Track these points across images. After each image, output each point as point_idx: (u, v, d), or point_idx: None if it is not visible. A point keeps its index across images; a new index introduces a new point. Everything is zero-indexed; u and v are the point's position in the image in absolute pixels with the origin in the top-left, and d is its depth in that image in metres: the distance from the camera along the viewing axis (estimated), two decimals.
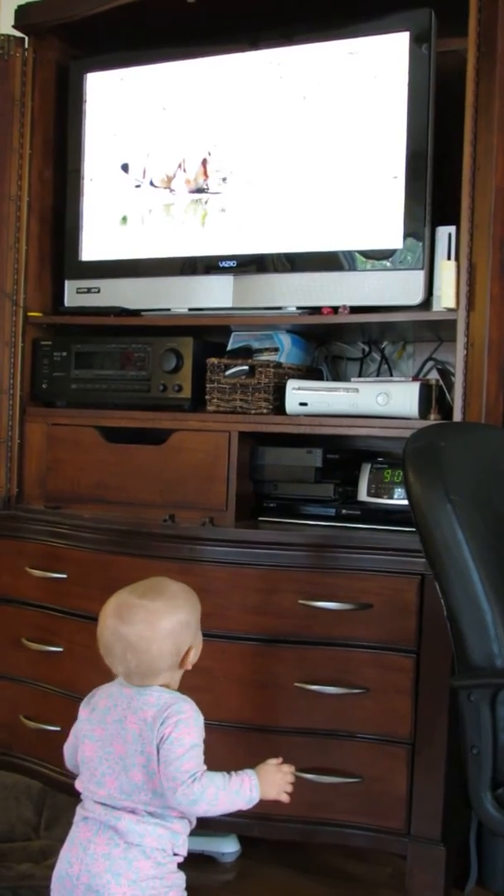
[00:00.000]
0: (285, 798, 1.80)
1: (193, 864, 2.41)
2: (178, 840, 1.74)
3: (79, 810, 1.79)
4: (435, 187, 2.46)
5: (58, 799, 2.58)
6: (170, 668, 1.77)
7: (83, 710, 1.84)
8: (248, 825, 2.41)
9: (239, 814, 2.30)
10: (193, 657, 1.80)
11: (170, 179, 2.79)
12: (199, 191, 2.74)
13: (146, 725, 1.71)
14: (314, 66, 2.58)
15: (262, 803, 2.26)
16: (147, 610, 1.74)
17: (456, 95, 2.36)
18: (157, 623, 1.74)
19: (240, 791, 1.71)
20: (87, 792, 1.78)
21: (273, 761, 1.82)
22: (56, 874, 1.76)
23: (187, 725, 1.70)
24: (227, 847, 2.60)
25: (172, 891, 1.74)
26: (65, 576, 2.66)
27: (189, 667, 1.81)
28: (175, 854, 1.75)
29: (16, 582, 2.79)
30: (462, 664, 1.76)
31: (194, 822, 1.81)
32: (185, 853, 1.78)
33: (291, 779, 1.82)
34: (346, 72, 2.54)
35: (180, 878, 1.77)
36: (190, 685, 1.86)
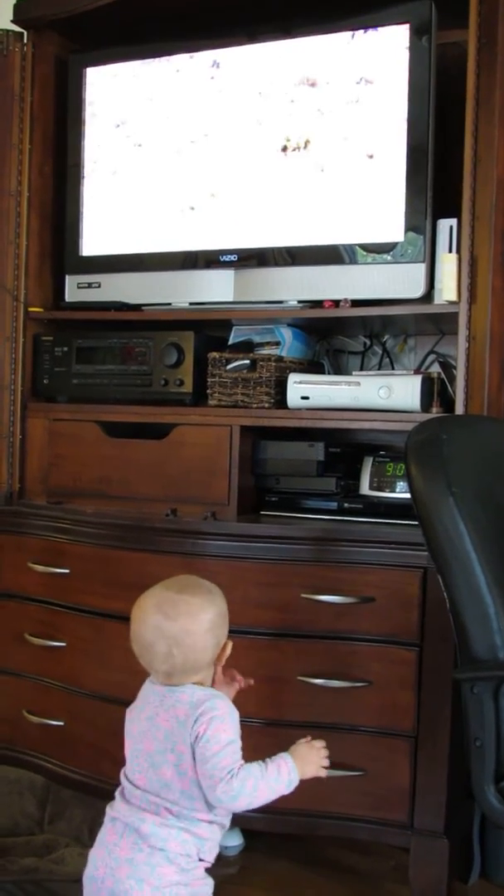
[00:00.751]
0: (323, 773, 1.81)
1: None
2: (203, 846, 1.72)
3: (108, 810, 1.77)
4: (436, 179, 2.45)
5: (61, 793, 2.59)
6: (210, 663, 1.77)
7: (128, 710, 1.83)
8: (252, 819, 2.40)
9: None
10: (229, 651, 1.80)
11: (170, 173, 2.78)
12: (200, 184, 2.74)
13: (178, 723, 1.70)
14: (314, 59, 2.58)
15: None
16: (188, 604, 1.74)
17: (457, 87, 2.35)
18: (199, 616, 1.73)
19: (279, 777, 1.71)
20: (123, 785, 1.77)
21: (303, 741, 1.82)
22: (85, 875, 1.75)
23: (222, 722, 1.69)
24: (231, 840, 2.60)
25: None
26: (67, 571, 2.66)
27: (223, 662, 1.81)
28: (201, 860, 1.73)
29: (18, 577, 2.79)
30: (465, 657, 1.75)
31: (227, 826, 1.79)
32: (211, 859, 1.76)
33: (325, 753, 1.81)
34: (346, 65, 2.54)
35: (207, 886, 1.75)
36: None
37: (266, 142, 2.64)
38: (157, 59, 2.80)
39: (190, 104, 2.75)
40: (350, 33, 2.53)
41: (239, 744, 1.71)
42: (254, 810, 2.33)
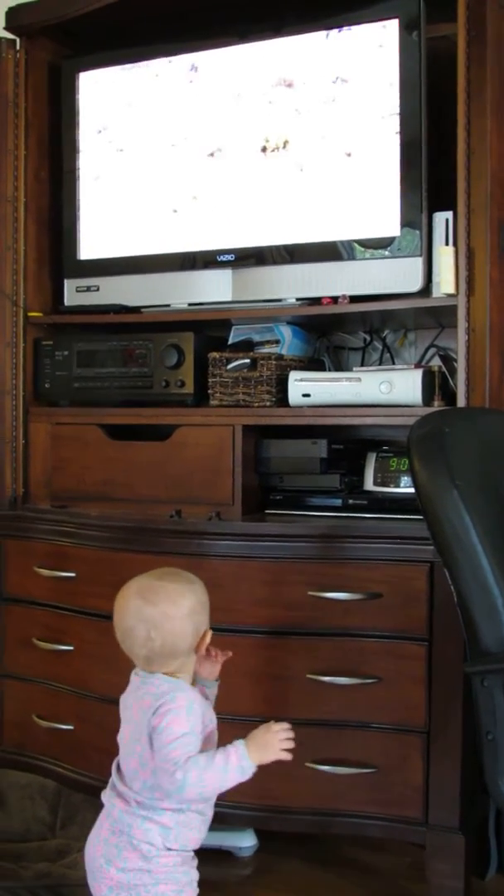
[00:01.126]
0: (286, 756, 1.76)
1: (211, 859, 2.41)
2: (168, 835, 1.73)
3: (102, 794, 1.83)
4: (431, 173, 2.45)
5: (73, 798, 2.58)
6: (188, 650, 1.78)
7: (120, 699, 1.86)
8: (265, 819, 2.41)
9: (255, 807, 2.32)
10: (208, 640, 1.81)
11: (165, 174, 2.78)
12: (195, 185, 2.73)
13: (143, 714, 1.72)
14: (305, 57, 2.58)
15: (277, 794, 2.28)
16: (168, 590, 1.77)
17: (448, 81, 2.35)
18: (179, 601, 1.76)
19: (226, 766, 1.68)
20: (112, 773, 1.81)
21: (263, 725, 1.77)
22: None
23: (177, 715, 1.70)
24: (245, 841, 2.60)
25: (164, 885, 1.72)
26: (73, 574, 2.65)
27: (202, 651, 1.82)
28: (169, 849, 1.73)
29: (24, 582, 2.79)
30: (474, 650, 1.75)
31: (208, 815, 1.80)
32: (182, 848, 1.75)
33: (286, 735, 1.76)
34: (338, 61, 2.54)
35: (181, 874, 1.75)
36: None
37: (262, 139, 2.64)
38: (149, 62, 2.79)
39: (184, 104, 2.74)
40: (340, 30, 2.53)
41: (196, 737, 1.71)
42: (265, 809, 2.35)
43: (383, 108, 2.48)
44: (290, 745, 1.77)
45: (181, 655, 1.77)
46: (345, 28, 2.52)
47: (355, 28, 2.51)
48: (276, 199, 2.63)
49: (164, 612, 1.74)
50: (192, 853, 1.79)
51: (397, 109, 2.46)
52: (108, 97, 2.87)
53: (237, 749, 1.71)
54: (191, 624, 1.76)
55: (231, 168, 2.69)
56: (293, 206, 2.61)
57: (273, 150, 2.63)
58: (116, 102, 2.86)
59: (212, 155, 2.71)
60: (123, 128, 2.85)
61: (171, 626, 1.74)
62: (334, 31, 2.53)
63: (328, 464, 2.60)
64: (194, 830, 1.77)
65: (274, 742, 1.74)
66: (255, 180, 2.66)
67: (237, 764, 1.69)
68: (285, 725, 1.77)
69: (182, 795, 1.69)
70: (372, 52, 2.49)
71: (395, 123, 2.46)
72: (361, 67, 2.51)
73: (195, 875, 1.79)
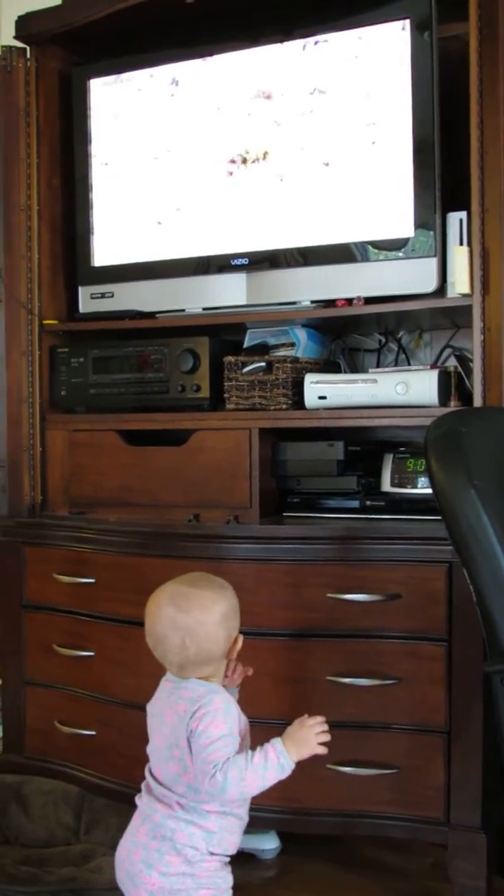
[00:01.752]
0: (322, 750, 1.77)
1: (234, 861, 2.40)
2: (212, 839, 1.74)
3: (137, 798, 1.82)
4: (444, 173, 2.45)
5: (96, 803, 2.59)
6: (221, 656, 1.78)
7: (148, 706, 1.86)
8: (288, 821, 2.41)
9: (278, 809, 2.33)
10: (240, 645, 1.81)
11: (177, 180, 2.79)
12: (208, 190, 2.74)
13: (179, 719, 1.73)
14: (316, 60, 2.58)
15: (300, 796, 2.28)
16: (201, 597, 1.77)
17: (460, 80, 2.35)
18: (212, 608, 1.76)
19: (266, 764, 1.70)
20: (146, 777, 1.81)
21: (296, 721, 1.78)
22: (115, 857, 1.82)
23: (214, 717, 1.70)
24: (267, 843, 2.60)
25: (205, 889, 1.73)
26: (93, 580, 2.66)
27: (234, 656, 1.82)
28: (212, 854, 1.74)
29: (44, 588, 2.80)
30: (494, 649, 1.75)
31: (245, 819, 1.81)
32: (223, 852, 1.77)
33: (321, 728, 1.77)
34: (349, 63, 2.54)
35: (221, 879, 1.77)
36: None
37: (274, 143, 2.65)
38: (160, 67, 2.81)
39: (195, 110, 2.75)
40: (351, 31, 2.53)
41: (234, 738, 1.72)
42: (287, 812, 2.35)
43: (395, 110, 2.48)
44: (326, 737, 1.78)
45: (214, 661, 1.78)
46: (358, 28, 2.52)
47: (369, 28, 2.51)
48: (289, 201, 2.64)
49: (198, 620, 1.74)
50: (227, 858, 1.79)
51: (409, 111, 2.46)
52: (122, 103, 2.87)
53: (275, 747, 1.72)
54: (224, 630, 1.77)
55: (245, 171, 2.69)
56: (306, 209, 2.61)
57: (293, 154, 2.63)
58: (121, 108, 2.87)
59: (232, 161, 2.71)
60: (138, 133, 2.86)
61: (205, 633, 1.74)
62: (354, 31, 2.53)
63: (345, 466, 2.61)
64: (235, 835, 1.78)
65: (310, 737, 1.75)
66: (268, 183, 2.66)
67: (277, 762, 1.71)
68: (319, 719, 1.78)
69: (223, 796, 1.70)
70: (385, 52, 2.49)
71: (407, 124, 2.46)
72: (374, 67, 2.51)
73: (231, 880, 1.80)
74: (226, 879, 1.78)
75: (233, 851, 1.79)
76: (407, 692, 2.31)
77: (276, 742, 1.73)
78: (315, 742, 1.76)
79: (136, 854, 1.75)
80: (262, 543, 2.45)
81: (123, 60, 2.86)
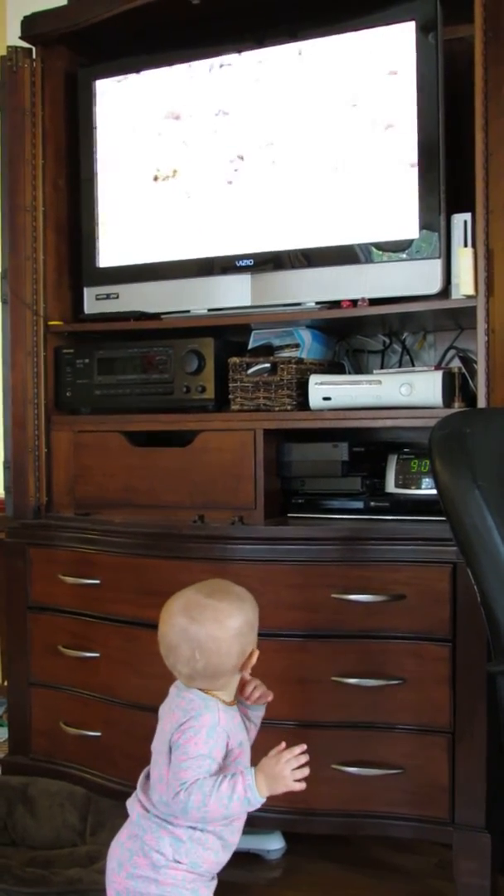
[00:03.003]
0: (298, 787, 1.68)
1: (240, 862, 2.42)
2: (180, 847, 1.70)
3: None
4: (449, 174, 2.45)
5: (102, 804, 2.59)
6: (233, 670, 1.74)
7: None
8: (293, 821, 2.42)
9: (283, 810, 2.33)
10: (254, 660, 1.77)
11: (182, 181, 2.79)
12: (213, 191, 2.75)
13: (171, 728, 1.71)
14: (321, 62, 2.58)
15: (305, 796, 2.27)
16: (216, 609, 1.72)
17: (466, 82, 2.35)
18: (226, 622, 1.71)
19: (232, 795, 1.64)
20: (141, 777, 1.81)
21: (273, 752, 1.69)
22: None
23: (196, 734, 1.67)
24: (273, 844, 2.60)
25: None
26: (98, 581, 2.67)
27: (248, 670, 1.78)
28: (178, 862, 1.70)
29: (50, 590, 2.81)
30: (498, 649, 1.75)
31: (230, 840, 1.76)
32: (191, 866, 1.71)
33: (297, 763, 1.68)
34: (354, 66, 2.54)
35: (188, 891, 1.71)
36: None
37: (279, 145, 2.65)
38: (165, 68, 2.81)
39: (200, 111, 2.76)
40: (356, 33, 2.53)
41: (211, 760, 1.67)
42: (293, 812, 2.35)
43: (401, 112, 2.48)
44: (304, 773, 1.69)
45: (224, 676, 1.74)
46: (363, 30, 2.53)
47: (375, 30, 2.52)
48: (293, 203, 2.64)
49: (210, 634, 1.70)
50: (207, 875, 1.75)
51: (415, 113, 2.46)
52: (128, 103, 2.88)
53: (245, 780, 1.65)
54: (237, 645, 1.72)
55: (248, 173, 2.69)
56: (311, 210, 2.62)
57: (297, 155, 2.63)
58: (127, 109, 2.87)
59: (232, 161, 2.71)
60: (144, 134, 2.86)
61: (216, 648, 1.70)
62: (360, 32, 2.54)
63: (349, 467, 2.61)
64: (209, 851, 1.73)
65: (285, 773, 1.67)
66: (273, 184, 2.66)
67: (243, 795, 1.64)
68: (297, 751, 1.69)
69: (185, 817, 1.67)
70: (391, 54, 2.49)
71: (413, 126, 2.47)
72: (379, 69, 2.51)
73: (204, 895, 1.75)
74: (195, 892, 1.72)
75: (207, 868, 1.74)
76: (412, 692, 2.31)
77: (248, 774, 1.66)
78: (290, 779, 1.67)
79: (115, 851, 1.75)
80: (267, 544, 2.45)
81: (129, 61, 2.87)
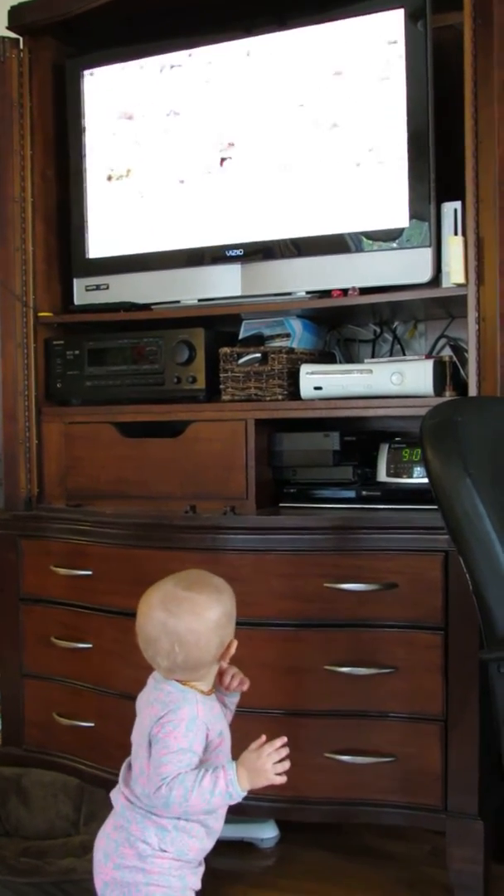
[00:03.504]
0: (279, 780, 1.69)
1: (233, 850, 2.43)
2: (165, 836, 1.70)
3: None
4: (439, 163, 2.45)
5: (96, 794, 2.60)
6: (212, 661, 1.75)
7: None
8: (286, 809, 2.42)
9: (276, 798, 2.34)
10: (233, 650, 1.78)
11: (172, 171, 2.78)
12: (202, 181, 2.74)
13: (150, 721, 1.71)
14: (310, 50, 2.58)
15: (297, 785, 2.28)
16: (194, 602, 1.72)
17: (455, 70, 2.35)
18: (204, 615, 1.71)
19: (214, 790, 1.65)
20: (122, 768, 1.81)
21: (254, 745, 1.70)
22: None
23: (175, 728, 1.67)
24: (266, 833, 2.61)
25: (156, 886, 1.70)
26: (90, 572, 2.67)
27: (226, 660, 1.79)
28: (164, 851, 1.71)
29: (42, 581, 2.81)
30: (490, 637, 1.75)
31: (215, 828, 1.76)
32: (177, 854, 1.72)
33: (278, 756, 1.69)
34: (343, 53, 2.54)
35: (176, 878, 1.72)
36: None
37: (268, 134, 2.65)
38: (153, 58, 2.80)
39: (189, 101, 2.75)
40: (344, 21, 2.53)
41: (192, 754, 1.67)
42: (286, 801, 2.36)
43: (392, 100, 2.48)
44: (285, 766, 1.70)
45: (204, 668, 1.74)
46: (352, 17, 2.53)
47: (363, 17, 2.51)
48: (283, 192, 2.64)
49: (189, 627, 1.69)
50: (194, 861, 1.76)
51: (404, 101, 2.46)
52: (117, 94, 2.87)
53: (227, 775, 1.66)
54: (216, 637, 1.72)
55: (238, 163, 2.69)
56: (301, 200, 2.61)
57: (286, 145, 2.63)
58: (115, 99, 2.86)
59: (222, 150, 2.71)
60: (133, 124, 2.85)
61: (195, 641, 1.70)
62: (349, 20, 2.53)
63: (341, 456, 2.61)
64: (195, 839, 1.74)
65: (267, 767, 1.68)
66: (262, 174, 2.66)
67: (225, 790, 1.65)
68: (277, 744, 1.70)
69: (167, 811, 1.68)
70: (379, 41, 2.49)
71: (402, 114, 2.46)
72: (367, 58, 2.51)
73: (193, 882, 1.76)
74: (182, 879, 1.73)
75: (193, 856, 1.75)
76: (404, 681, 2.32)
77: (230, 768, 1.67)
78: (272, 773, 1.68)
79: (101, 843, 1.75)
80: (259, 534, 2.45)
81: (117, 51, 2.86)
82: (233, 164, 2.70)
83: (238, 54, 2.68)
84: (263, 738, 1.71)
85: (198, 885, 1.77)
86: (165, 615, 1.71)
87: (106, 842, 1.74)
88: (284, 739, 1.71)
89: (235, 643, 1.78)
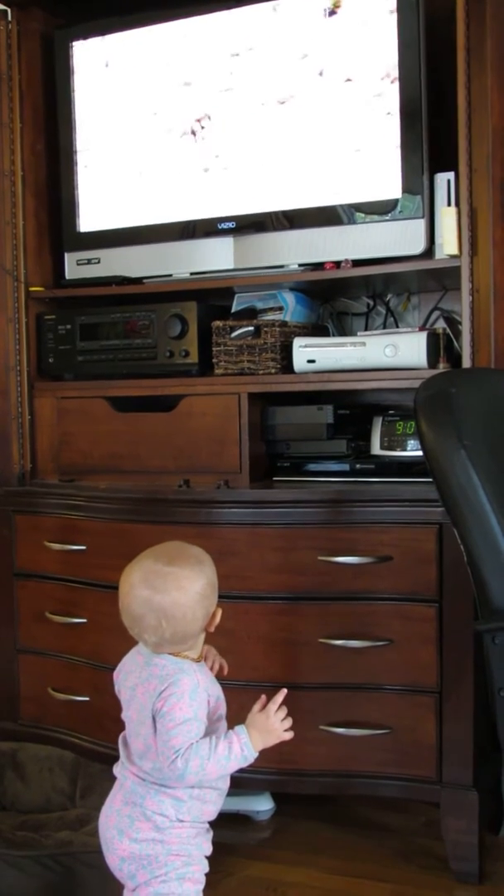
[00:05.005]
0: (288, 735, 1.73)
1: (229, 823, 2.44)
2: (181, 807, 1.71)
3: (114, 766, 1.82)
4: (432, 133, 2.43)
5: (91, 768, 2.60)
6: (199, 632, 1.75)
7: (116, 674, 1.83)
8: (282, 782, 2.43)
9: (272, 770, 2.35)
10: (218, 619, 1.78)
11: (163, 143, 2.76)
12: (193, 153, 2.72)
13: (149, 698, 1.70)
14: (301, 18, 2.55)
15: (293, 757, 2.30)
16: (177, 577, 1.71)
17: (447, 39, 2.33)
18: (189, 588, 1.71)
19: (229, 754, 1.67)
20: (120, 746, 1.80)
21: (256, 707, 1.73)
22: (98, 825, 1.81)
23: (180, 699, 1.67)
24: (262, 805, 2.62)
25: (175, 856, 1.71)
26: (84, 547, 2.67)
27: (213, 629, 1.78)
28: (181, 821, 1.72)
29: (36, 557, 2.81)
30: (485, 608, 1.75)
31: (224, 789, 1.78)
32: (194, 820, 1.73)
33: (284, 713, 1.72)
34: (335, 22, 2.51)
35: (193, 846, 1.74)
36: (215, 647, 1.87)
37: (259, 105, 2.62)
38: (143, 28, 2.77)
39: (180, 71, 2.73)
40: None
41: (199, 722, 1.68)
42: (281, 773, 2.37)
43: (382, 71, 2.46)
44: (289, 722, 1.73)
45: (192, 639, 1.74)
46: None
47: None
48: (275, 165, 2.62)
49: (175, 601, 1.69)
50: (206, 825, 1.77)
51: (396, 72, 2.44)
52: (106, 65, 2.84)
53: (240, 738, 1.69)
54: (201, 609, 1.72)
55: (228, 135, 2.67)
56: (293, 172, 2.60)
57: (278, 116, 2.61)
58: (104, 72, 2.84)
59: (212, 120, 2.69)
60: (122, 96, 2.83)
61: (182, 614, 1.69)
62: None
63: (334, 429, 2.60)
64: (209, 804, 1.75)
65: (275, 725, 1.71)
66: (257, 146, 2.64)
67: (240, 754, 1.68)
68: (279, 699, 1.73)
69: (181, 783, 1.68)
70: (371, 11, 2.47)
71: (394, 85, 2.44)
72: (360, 27, 2.49)
73: (208, 849, 1.77)
74: (199, 847, 1.75)
75: (208, 818, 1.77)
76: (399, 653, 2.32)
77: (241, 732, 1.69)
78: (280, 730, 1.72)
79: (111, 820, 1.74)
80: (253, 508, 2.45)
81: (106, 22, 2.83)
82: (224, 135, 2.67)
83: (227, 22, 2.65)
84: (263, 697, 1.74)
85: (210, 851, 1.79)
86: (150, 592, 1.70)
87: (117, 818, 1.74)
88: (284, 692, 1.74)
89: (220, 611, 1.78)
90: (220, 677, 1.82)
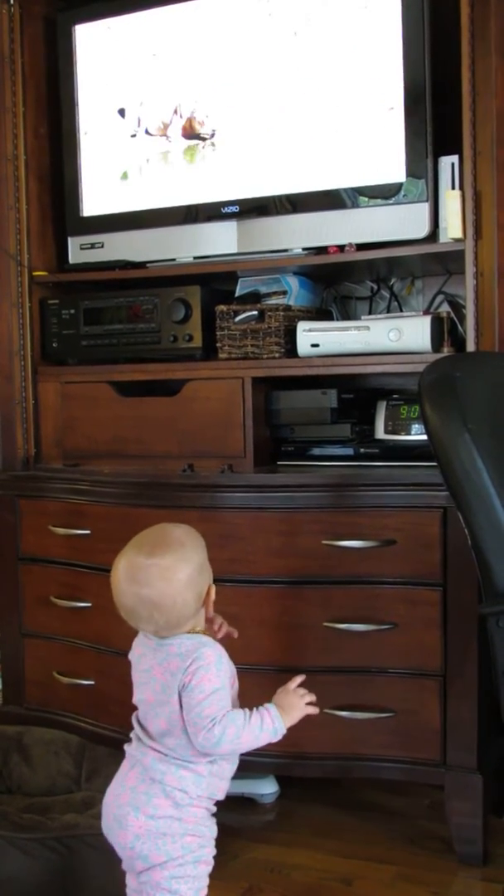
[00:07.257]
0: (313, 711, 1.79)
1: (234, 806, 2.46)
2: (201, 783, 1.73)
3: (126, 746, 1.82)
4: (436, 116, 2.42)
5: (97, 751, 2.61)
6: (196, 611, 1.76)
7: (131, 655, 1.83)
8: (286, 765, 2.44)
9: (276, 754, 2.35)
10: (213, 595, 1.78)
11: (166, 127, 2.76)
12: (196, 137, 2.72)
13: (172, 676, 1.70)
14: (304, 1, 2.54)
15: (298, 740, 2.30)
16: (160, 567, 1.70)
17: (451, 21, 2.31)
18: (174, 577, 1.70)
19: (262, 726, 1.70)
20: (133, 726, 1.80)
21: (280, 689, 1.80)
22: (102, 804, 1.81)
23: (207, 671, 1.69)
24: (266, 788, 2.64)
25: (191, 836, 1.72)
26: (88, 532, 2.67)
27: (210, 606, 1.79)
28: (200, 797, 1.73)
29: (40, 541, 2.81)
30: (489, 592, 1.75)
31: (236, 764, 1.80)
32: (211, 796, 1.76)
33: (304, 690, 1.80)
34: (337, 4, 2.50)
35: (206, 827, 1.76)
36: None
37: (262, 88, 2.61)
38: (145, 12, 2.76)
39: (182, 54, 2.72)
40: None
41: (227, 691, 1.71)
42: (286, 756, 2.37)
43: (388, 53, 2.45)
44: (312, 697, 1.79)
45: (190, 620, 1.74)
46: None
47: None
48: (279, 148, 2.61)
49: (162, 593, 1.69)
50: (213, 808, 1.78)
51: (400, 54, 2.42)
52: (109, 48, 2.83)
53: (270, 712, 1.72)
54: (191, 593, 1.72)
55: (232, 118, 2.66)
56: (296, 156, 2.59)
57: (281, 99, 2.60)
58: (108, 55, 2.82)
59: (216, 103, 2.68)
60: (125, 79, 2.82)
61: (171, 603, 1.70)
62: None
63: (339, 413, 2.60)
64: (224, 781, 1.78)
65: (299, 702, 1.77)
66: (260, 130, 2.63)
67: (272, 726, 1.71)
68: (298, 679, 1.80)
69: (215, 751, 1.69)
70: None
71: (398, 67, 2.43)
72: (367, 10, 2.47)
73: (216, 831, 1.79)
74: (210, 829, 1.77)
75: (220, 796, 1.79)
76: (403, 637, 2.33)
77: (272, 707, 1.73)
78: (303, 705, 1.77)
79: (124, 797, 1.74)
80: (257, 492, 2.45)
81: (109, 5, 2.82)
82: (227, 119, 2.66)
83: (229, 4, 2.63)
84: (288, 683, 1.81)
85: (216, 833, 1.80)
86: (136, 587, 1.70)
87: (132, 795, 1.73)
88: (303, 677, 1.82)
89: (214, 588, 1.78)
90: (227, 642, 1.84)
